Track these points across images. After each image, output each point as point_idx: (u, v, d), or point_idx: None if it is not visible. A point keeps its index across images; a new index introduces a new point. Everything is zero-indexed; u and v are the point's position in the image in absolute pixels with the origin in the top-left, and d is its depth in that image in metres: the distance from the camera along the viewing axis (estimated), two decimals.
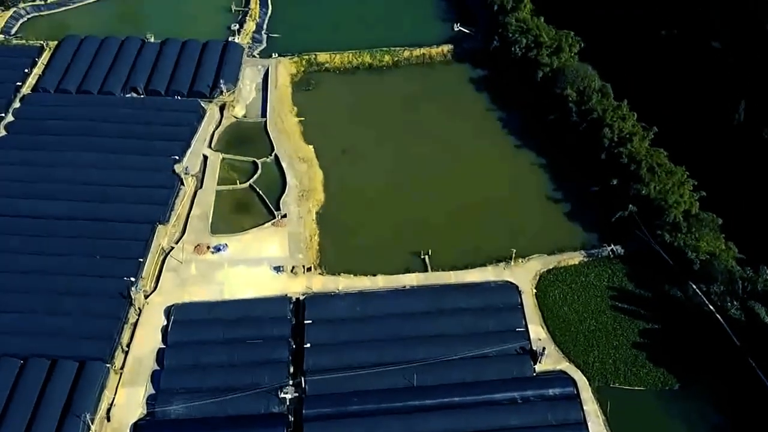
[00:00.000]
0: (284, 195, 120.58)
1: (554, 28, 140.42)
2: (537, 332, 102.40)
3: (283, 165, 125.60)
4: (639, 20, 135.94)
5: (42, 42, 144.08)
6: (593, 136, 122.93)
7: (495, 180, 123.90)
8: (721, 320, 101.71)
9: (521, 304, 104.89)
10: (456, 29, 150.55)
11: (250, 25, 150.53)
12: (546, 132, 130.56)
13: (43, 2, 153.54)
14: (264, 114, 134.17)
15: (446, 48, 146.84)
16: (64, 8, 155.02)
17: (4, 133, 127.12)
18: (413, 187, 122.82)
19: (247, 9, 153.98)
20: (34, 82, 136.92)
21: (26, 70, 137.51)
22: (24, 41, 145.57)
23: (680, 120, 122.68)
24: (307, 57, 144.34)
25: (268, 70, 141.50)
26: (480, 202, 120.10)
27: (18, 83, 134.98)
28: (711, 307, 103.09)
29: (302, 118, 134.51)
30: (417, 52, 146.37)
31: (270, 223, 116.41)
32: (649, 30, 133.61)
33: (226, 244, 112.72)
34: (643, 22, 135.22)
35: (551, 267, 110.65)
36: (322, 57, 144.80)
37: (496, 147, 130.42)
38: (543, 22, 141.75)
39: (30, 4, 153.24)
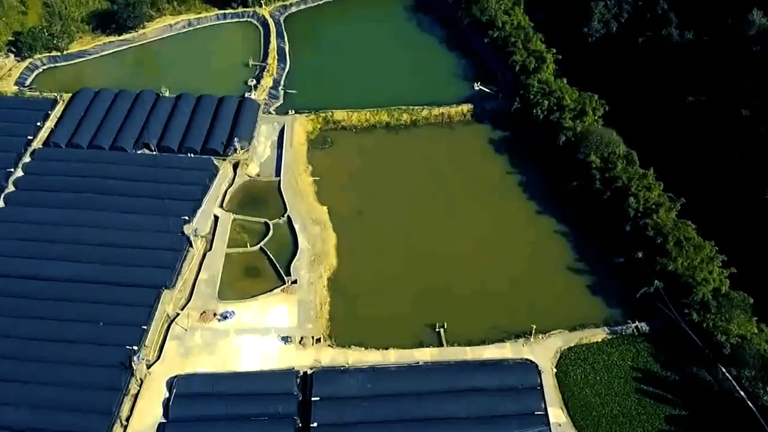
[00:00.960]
0: (295, 259, 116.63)
1: (578, 90, 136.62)
2: (557, 416, 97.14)
3: (296, 227, 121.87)
4: (666, 85, 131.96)
5: (56, 94, 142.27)
6: (617, 206, 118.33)
7: (515, 248, 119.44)
8: (753, 408, 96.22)
9: (541, 384, 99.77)
10: (476, 88, 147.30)
11: (266, 81, 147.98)
12: (568, 199, 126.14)
13: (59, 54, 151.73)
14: (278, 173, 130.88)
15: (466, 108, 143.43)
16: (80, 59, 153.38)
17: (12, 188, 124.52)
18: (429, 253, 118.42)
19: (264, 64, 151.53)
20: (45, 135, 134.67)
21: (38, 124, 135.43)
22: (38, 93, 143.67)
23: (709, 191, 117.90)
24: (323, 114, 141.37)
25: (283, 127, 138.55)
26: (499, 271, 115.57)
27: (29, 137, 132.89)
28: (742, 394, 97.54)
29: (317, 178, 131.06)
30: (436, 111, 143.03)
31: (279, 289, 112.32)
32: (676, 96, 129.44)
33: (233, 311, 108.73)
34: (670, 87, 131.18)
35: (573, 344, 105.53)
36: (339, 115, 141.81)
37: (516, 213, 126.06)
38: (566, 84, 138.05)
39: (46, 55, 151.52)
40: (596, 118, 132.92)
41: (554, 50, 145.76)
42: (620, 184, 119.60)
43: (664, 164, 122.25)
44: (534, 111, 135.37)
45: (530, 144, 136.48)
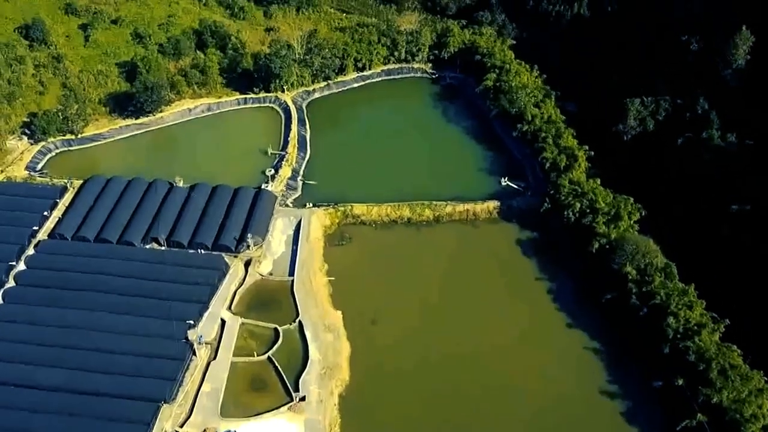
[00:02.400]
0: (305, 372, 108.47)
1: (612, 192, 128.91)
2: None
3: (307, 335, 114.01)
4: (708, 191, 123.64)
5: (66, 181, 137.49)
6: (655, 324, 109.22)
7: (543, 366, 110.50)
8: None
9: None
10: (503, 184, 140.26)
11: (285, 171, 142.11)
12: (601, 311, 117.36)
13: (74, 137, 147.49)
14: (292, 272, 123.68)
15: (492, 205, 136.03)
16: (95, 143, 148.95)
17: (12, 284, 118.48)
18: (451, 367, 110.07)
19: (284, 153, 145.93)
20: (52, 226, 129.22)
21: (45, 213, 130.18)
22: (49, 179, 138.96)
23: (756, 312, 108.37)
24: (342, 208, 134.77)
25: (300, 221, 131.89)
26: (525, 389, 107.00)
27: (35, 227, 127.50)
28: None
29: (332, 278, 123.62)
30: (460, 207, 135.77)
31: (286, 407, 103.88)
32: (719, 203, 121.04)
33: (235, 431, 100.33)
34: (712, 194, 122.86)
35: None
36: (359, 209, 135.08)
37: (544, 325, 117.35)
38: (599, 185, 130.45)
39: (60, 138, 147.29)
40: (632, 223, 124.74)
41: (586, 147, 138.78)
42: (658, 301, 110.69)
43: (707, 279, 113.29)
44: (565, 213, 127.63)
45: (561, 248, 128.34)
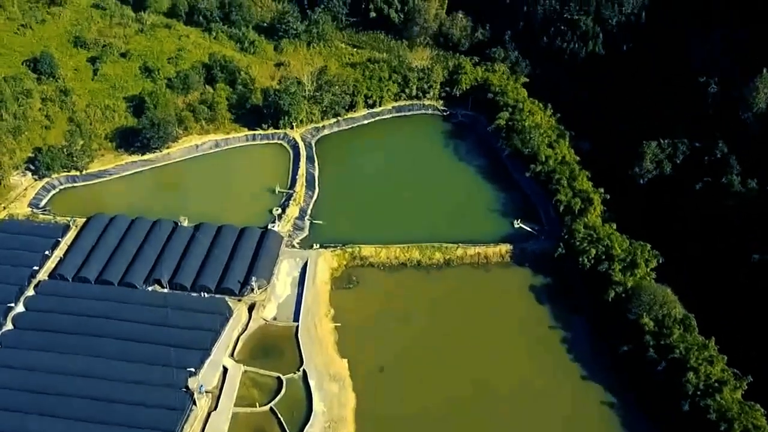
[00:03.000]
0: (308, 425, 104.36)
1: (628, 238, 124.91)
2: None
3: (311, 384, 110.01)
4: (728, 239, 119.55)
5: (69, 219, 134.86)
6: (674, 380, 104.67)
7: (556, 419, 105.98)
8: None
9: None
10: (516, 226, 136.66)
11: (293, 210, 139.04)
12: (617, 364, 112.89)
13: (78, 173, 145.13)
14: (297, 317, 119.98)
15: (505, 248, 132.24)
16: (100, 179, 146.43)
17: (10, 327, 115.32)
18: (461, 419, 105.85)
19: (291, 191, 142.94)
20: (53, 265, 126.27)
21: (47, 252, 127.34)
22: (51, 216, 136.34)
23: None
24: (350, 250, 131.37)
25: (306, 263, 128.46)
26: None
27: (35, 267, 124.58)
28: None
29: (338, 324, 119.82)
30: (472, 250, 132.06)
31: None
32: (740, 252, 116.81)
33: None
34: (733, 242, 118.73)
35: None
36: (367, 250, 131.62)
37: (558, 376, 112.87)
38: (615, 230, 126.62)
39: (65, 174, 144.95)
40: (649, 270, 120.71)
41: (602, 190, 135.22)
42: (677, 355, 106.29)
43: (728, 333, 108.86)
44: (580, 259, 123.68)
45: (575, 295, 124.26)
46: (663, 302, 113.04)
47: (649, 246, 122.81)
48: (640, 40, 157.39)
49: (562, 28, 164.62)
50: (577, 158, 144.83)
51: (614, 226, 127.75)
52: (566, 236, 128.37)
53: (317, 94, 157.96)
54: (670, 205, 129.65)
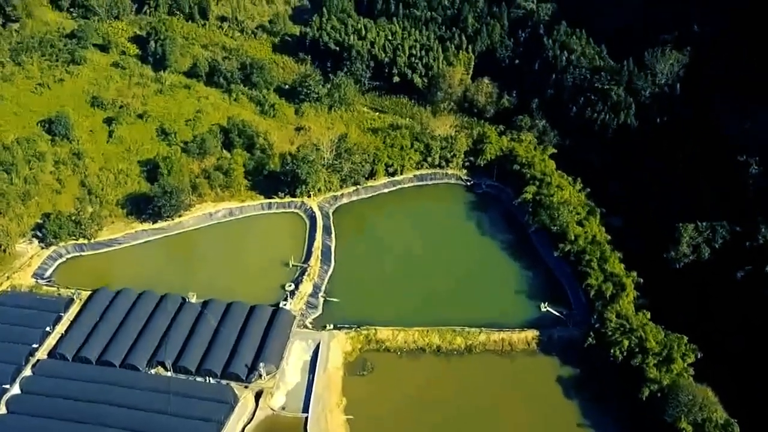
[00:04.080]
0: None
1: (663, 329, 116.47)
2: None
3: None
4: None
5: (73, 292, 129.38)
6: None
7: None
8: None
9: None
10: (543, 310, 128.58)
11: (306, 287, 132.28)
12: None
13: (86, 241, 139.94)
14: (306, 408, 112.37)
15: (531, 334, 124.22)
16: (108, 249, 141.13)
17: (3, 411, 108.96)
18: None
19: (306, 266, 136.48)
20: (54, 342, 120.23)
21: (48, 329, 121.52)
22: (56, 288, 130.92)
23: None
24: (365, 332, 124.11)
25: (318, 346, 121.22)
26: None
27: (34, 345, 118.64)
28: None
29: (350, 417, 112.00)
30: (495, 336, 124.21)
31: None
32: None
33: None
34: None
35: None
36: (383, 333, 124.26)
37: None
38: (649, 320, 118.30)
39: (72, 242, 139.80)
40: (686, 366, 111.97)
41: (635, 274, 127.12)
42: None
43: None
44: (611, 351, 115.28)
45: (606, 390, 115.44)
46: (703, 404, 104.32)
47: (686, 339, 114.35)
48: (674, 113, 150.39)
49: (593, 97, 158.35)
50: (608, 237, 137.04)
51: (648, 315, 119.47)
52: (597, 325, 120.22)
53: (336, 162, 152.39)
54: (709, 294, 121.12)
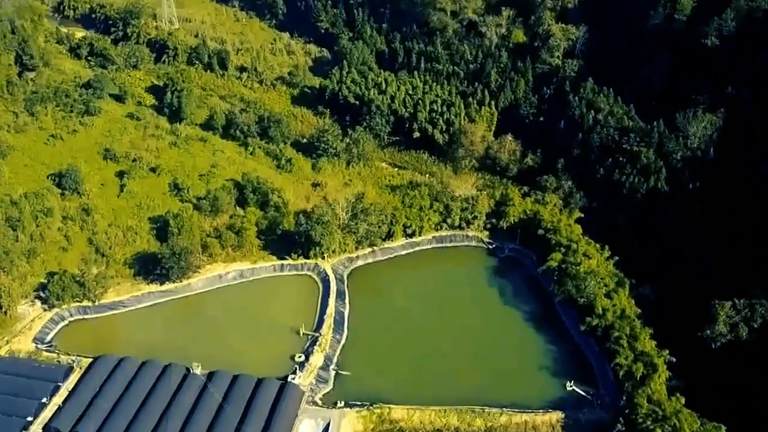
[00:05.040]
0: None
1: (699, 417, 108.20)
2: None
3: None
4: None
5: (73, 359, 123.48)
6: None
7: None
8: None
9: None
10: (569, 388, 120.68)
11: (317, 358, 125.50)
12: None
13: (90, 304, 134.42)
14: None
15: (555, 417, 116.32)
16: (113, 312, 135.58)
17: None
18: None
19: (317, 335, 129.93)
20: (50, 414, 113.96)
21: (44, 400, 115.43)
22: (56, 354, 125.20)
23: None
24: (378, 411, 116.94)
25: (328, 426, 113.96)
26: None
27: (29, 418, 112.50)
28: None
29: None
30: (518, 418, 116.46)
31: None
32: None
33: None
34: None
35: None
36: (398, 413, 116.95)
37: None
38: (684, 406, 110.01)
39: (76, 304, 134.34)
40: None
41: (667, 352, 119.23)
42: None
43: None
44: None
45: None
46: None
47: (724, 429, 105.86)
48: (707, 178, 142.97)
49: (621, 159, 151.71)
50: (638, 310, 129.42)
51: (682, 401, 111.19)
52: (626, 410, 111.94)
53: (352, 223, 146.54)
54: (748, 378, 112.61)
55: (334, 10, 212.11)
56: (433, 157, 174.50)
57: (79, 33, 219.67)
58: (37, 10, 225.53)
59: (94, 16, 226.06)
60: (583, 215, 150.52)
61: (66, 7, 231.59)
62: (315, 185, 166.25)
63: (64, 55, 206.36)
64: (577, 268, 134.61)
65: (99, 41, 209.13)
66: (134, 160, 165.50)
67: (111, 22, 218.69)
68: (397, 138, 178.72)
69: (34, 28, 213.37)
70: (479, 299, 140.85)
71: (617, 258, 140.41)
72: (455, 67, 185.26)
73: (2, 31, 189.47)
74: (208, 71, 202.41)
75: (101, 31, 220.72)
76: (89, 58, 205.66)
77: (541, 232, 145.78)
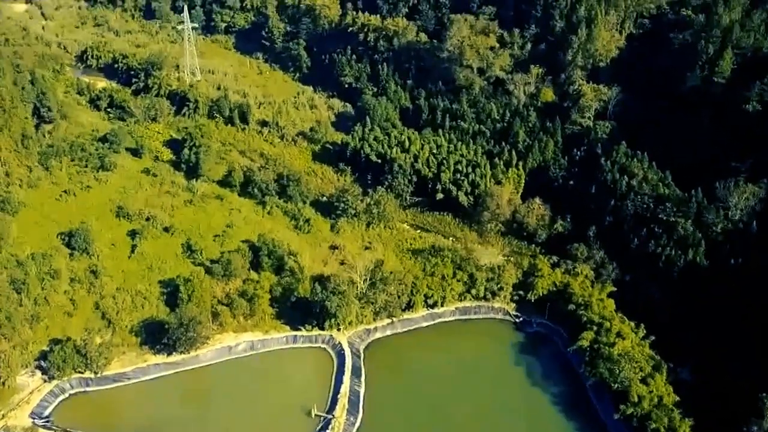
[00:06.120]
0: None
1: None
2: None
3: None
4: None
5: None
6: None
7: None
8: None
9: None
10: None
11: None
12: None
13: (93, 375, 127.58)
14: None
15: None
16: (116, 384, 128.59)
17: None
18: None
19: (330, 416, 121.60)
20: None
21: None
22: (54, 430, 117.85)
23: None
24: None
25: None
26: None
27: None
28: None
29: None
30: None
31: None
32: None
33: None
34: None
35: None
36: None
37: None
38: None
39: (78, 376, 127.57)
40: None
41: None
42: None
43: None
44: None
45: None
46: None
47: None
48: (750, 253, 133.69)
49: (657, 229, 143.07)
50: (677, 398, 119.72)
51: None
52: None
53: (370, 293, 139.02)
54: None
55: (359, 65, 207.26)
56: (457, 220, 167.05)
57: (101, 83, 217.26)
58: (59, 60, 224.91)
59: (116, 66, 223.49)
60: (615, 289, 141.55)
61: (89, 57, 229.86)
62: (333, 248, 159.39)
63: (83, 106, 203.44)
64: (611, 349, 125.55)
65: (119, 93, 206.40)
66: (148, 219, 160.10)
67: (133, 72, 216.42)
68: (420, 199, 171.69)
69: (55, 78, 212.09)
70: (505, 379, 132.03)
71: (653, 338, 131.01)
72: (481, 126, 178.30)
73: (21, 82, 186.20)
74: (229, 125, 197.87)
75: (123, 81, 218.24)
76: (108, 109, 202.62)
77: (571, 307, 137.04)
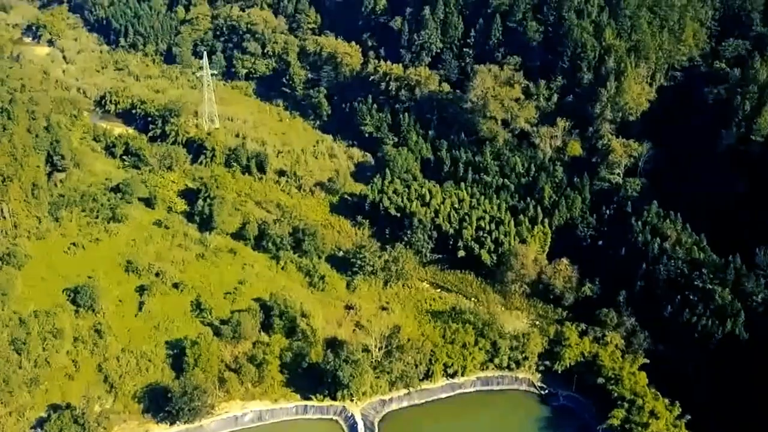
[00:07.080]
0: None
1: None
2: None
3: None
4: None
5: None
6: None
7: None
8: None
9: None
10: None
11: None
12: None
13: None
14: None
15: None
16: None
17: None
18: None
19: None
20: None
21: None
22: None
23: None
24: None
25: None
26: None
27: None
28: None
29: None
30: None
31: None
32: None
33: None
34: None
35: None
36: None
37: None
38: None
39: None
40: None
41: None
42: None
43: None
44: None
45: None
46: None
47: None
48: None
49: (692, 297, 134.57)
50: None
51: None
52: None
53: (386, 362, 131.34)
54: None
55: (380, 114, 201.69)
56: (479, 279, 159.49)
57: (118, 129, 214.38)
58: (77, 104, 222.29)
59: (134, 111, 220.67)
60: (647, 360, 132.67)
61: (107, 102, 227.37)
62: (348, 308, 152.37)
63: (98, 153, 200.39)
64: (644, 430, 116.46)
65: (135, 140, 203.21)
66: (157, 275, 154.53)
67: (150, 119, 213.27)
68: (441, 256, 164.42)
69: (72, 123, 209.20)
70: None
71: (689, 417, 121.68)
72: (505, 180, 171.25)
73: (36, 129, 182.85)
74: (246, 174, 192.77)
75: (140, 127, 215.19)
76: (124, 157, 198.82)
77: (601, 380, 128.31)
